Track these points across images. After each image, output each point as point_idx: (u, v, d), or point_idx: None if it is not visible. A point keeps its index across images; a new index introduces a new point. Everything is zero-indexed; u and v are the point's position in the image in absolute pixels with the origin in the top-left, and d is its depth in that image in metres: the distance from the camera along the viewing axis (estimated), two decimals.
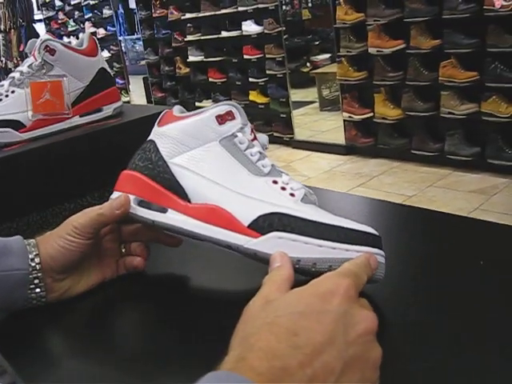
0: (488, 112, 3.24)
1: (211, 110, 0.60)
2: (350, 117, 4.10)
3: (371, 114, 3.96)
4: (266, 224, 0.55)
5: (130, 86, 6.58)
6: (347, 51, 3.95)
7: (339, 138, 4.30)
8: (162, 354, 0.53)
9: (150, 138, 0.64)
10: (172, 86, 5.87)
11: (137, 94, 6.74)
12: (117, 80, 6.29)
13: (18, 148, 0.87)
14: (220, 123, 0.60)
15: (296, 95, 4.98)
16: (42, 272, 0.60)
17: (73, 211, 0.87)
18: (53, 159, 0.86)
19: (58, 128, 0.93)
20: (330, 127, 4.83)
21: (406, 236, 0.70)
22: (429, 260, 0.63)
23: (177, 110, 0.64)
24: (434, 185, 3.44)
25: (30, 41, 0.95)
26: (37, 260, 0.60)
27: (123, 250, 0.67)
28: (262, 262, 0.55)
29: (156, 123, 0.64)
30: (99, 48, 0.97)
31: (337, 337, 0.38)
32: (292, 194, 0.57)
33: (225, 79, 5.19)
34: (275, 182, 0.58)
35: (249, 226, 0.55)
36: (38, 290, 0.60)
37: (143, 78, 6.51)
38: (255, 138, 0.62)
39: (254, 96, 4.93)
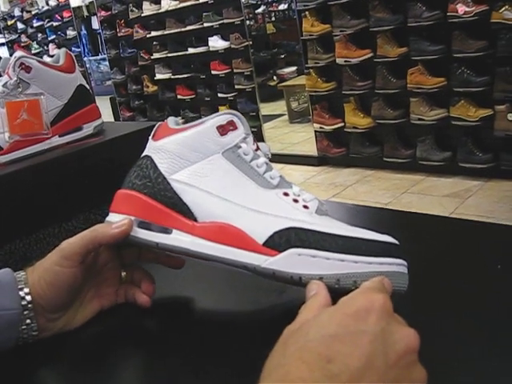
0: (457, 116, 3.28)
1: (211, 120, 0.57)
2: (320, 127, 4.11)
3: (342, 124, 3.99)
4: (282, 240, 0.51)
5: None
6: (315, 62, 3.96)
7: (311, 149, 4.31)
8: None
9: (145, 153, 0.59)
10: (140, 105, 5.82)
11: (104, 114, 6.58)
12: None
13: None
14: (222, 134, 0.56)
15: (265, 109, 4.99)
16: (34, 311, 0.55)
17: (57, 236, 0.84)
18: (34, 183, 0.82)
19: (37, 149, 0.88)
20: (301, 139, 4.84)
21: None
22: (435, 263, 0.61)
23: (172, 121, 0.61)
24: (409, 191, 3.46)
25: (3, 58, 0.90)
26: (28, 298, 0.55)
27: (123, 275, 0.63)
28: (279, 281, 0.52)
29: (150, 137, 0.60)
30: (76, 64, 0.93)
31: (376, 360, 0.34)
32: (306, 206, 0.54)
33: (193, 95, 5.17)
34: (286, 194, 0.55)
35: (264, 244, 0.52)
36: (30, 330, 0.56)
37: (110, 98, 6.44)
38: (258, 148, 0.58)
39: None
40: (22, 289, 0.55)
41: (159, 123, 0.62)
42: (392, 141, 3.72)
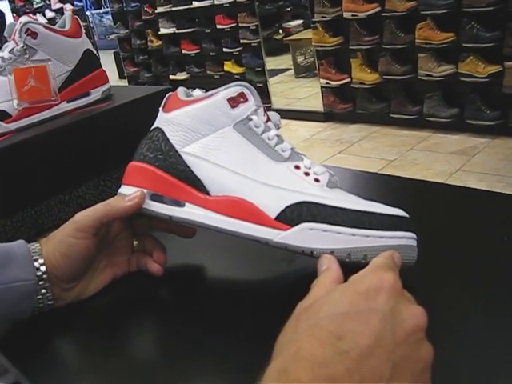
0: (466, 73, 3.24)
1: (222, 92, 0.56)
2: (327, 83, 4.07)
3: (348, 80, 3.94)
4: (294, 215, 0.52)
5: (101, 62, 6.42)
6: (322, 17, 3.89)
7: (317, 104, 4.27)
8: (181, 353, 0.51)
9: (155, 125, 0.59)
10: (145, 60, 5.75)
11: (108, 69, 6.49)
12: None
13: (5, 140, 0.83)
14: (232, 106, 0.56)
15: (270, 63, 4.92)
16: (49, 281, 0.57)
17: (68, 203, 0.85)
18: (44, 151, 0.82)
19: (45, 116, 0.88)
20: (307, 94, 4.79)
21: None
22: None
23: (181, 92, 0.60)
24: (415, 148, 3.44)
25: (9, 23, 0.89)
26: (43, 269, 0.56)
27: (135, 243, 0.64)
28: (292, 252, 0.53)
29: (161, 108, 0.60)
30: (83, 28, 0.92)
31: (384, 338, 0.35)
32: (317, 180, 0.54)
33: (198, 50, 5.10)
34: (297, 167, 0.55)
35: (276, 219, 0.52)
36: (45, 300, 0.57)
37: (114, 53, 6.37)
38: (269, 119, 0.58)
39: (228, 66, 4.86)
40: (36, 260, 0.56)
41: (169, 94, 0.61)
42: (399, 97, 3.68)
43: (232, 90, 0.57)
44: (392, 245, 0.51)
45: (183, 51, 5.21)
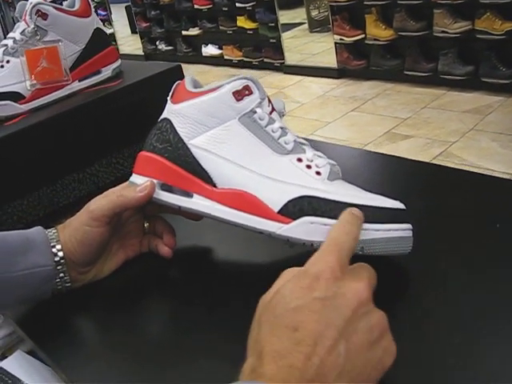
0: (482, 30, 3.18)
1: (227, 85, 0.58)
2: (341, 39, 4.02)
3: (363, 36, 3.89)
4: (296, 209, 0.55)
5: (113, 16, 6.36)
6: None
7: (331, 60, 4.22)
8: (191, 328, 0.55)
9: (164, 115, 0.62)
10: (157, 15, 5.68)
11: (120, 23, 6.53)
12: (99, 12, 6.08)
13: (19, 122, 0.85)
14: (237, 99, 0.58)
15: (284, 17, 4.83)
16: (67, 266, 0.60)
17: (81, 181, 0.88)
18: (58, 131, 0.85)
19: (58, 96, 0.91)
20: (321, 49, 4.72)
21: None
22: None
23: (189, 82, 0.62)
24: (428, 106, 3.42)
25: (20, 3, 0.91)
26: (60, 254, 0.60)
27: (146, 226, 0.67)
28: (293, 245, 0.56)
29: (169, 98, 0.62)
30: (92, 7, 0.93)
31: (333, 319, 0.39)
32: (318, 173, 0.57)
33: (211, 5, 5.02)
34: (300, 160, 0.58)
35: (279, 212, 0.55)
36: (63, 282, 0.61)
37: (126, 7, 6.29)
38: (273, 109, 0.60)
39: (241, 22, 4.79)
40: (54, 246, 0.60)
41: (177, 83, 0.63)
42: (414, 54, 3.63)
43: (237, 82, 0.58)
44: (388, 237, 0.53)
45: (195, 6, 5.14)
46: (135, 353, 0.54)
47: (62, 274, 0.60)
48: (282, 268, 0.61)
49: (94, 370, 0.53)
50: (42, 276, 0.59)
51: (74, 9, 0.90)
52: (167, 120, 0.61)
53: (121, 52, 6.23)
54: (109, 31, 6.19)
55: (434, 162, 2.73)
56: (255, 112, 0.58)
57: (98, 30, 0.93)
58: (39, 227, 0.62)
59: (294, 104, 3.92)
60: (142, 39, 5.97)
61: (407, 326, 0.49)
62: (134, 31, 6.20)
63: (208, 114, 0.59)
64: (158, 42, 5.77)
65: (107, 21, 6.26)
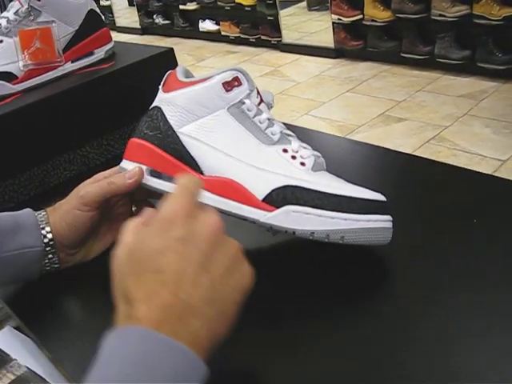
0: (480, 14, 3.17)
1: (217, 76, 0.60)
2: (338, 19, 3.99)
3: (360, 16, 3.86)
4: (279, 198, 0.57)
5: None
6: None
7: (328, 39, 4.20)
8: None
9: (155, 103, 0.63)
10: None
11: None
12: None
13: (12, 103, 0.86)
14: (227, 90, 0.59)
15: None
16: (55, 247, 0.62)
17: (72, 161, 0.90)
18: (50, 112, 0.86)
19: (51, 76, 0.91)
20: (319, 28, 4.69)
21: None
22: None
23: (181, 72, 0.63)
24: (424, 89, 3.42)
25: None
26: (49, 236, 0.61)
27: (134, 209, 0.69)
28: (276, 232, 0.58)
29: (160, 87, 0.63)
30: None
31: (191, 254, 0.42)
32: (303, 163, 0.59)
33: None
34: (285, 151, 0.59)
35: (263, 200, 0.57)
36: (52, 263, 0.63)
37: None
38: (262, 101, 0.62)
39: None
40: (43, 228, 0.61)
41: (169, 72, 0.64)
42: (411, 36, 3.62)
43: (227, 74, 0.60)
44: (367, 227, 0.56)
45: None
46: None
47: (50, 256, 0.62)
48: (265, 254, 0.64)
49: (77, 350, 0.55)
50: (31, 257, 0.61)
51: None
52: (158, 108, 0.62)
53: (117, 25, 6.17)
54: (106, 3, 6.13)
55: (427, 145, 2.75)
56: (244, 103, 0.60)
57: (91, 11, 0.94)
58: (29, 209, 0.63)
59: (290, 83, 3.91)
60: (138, 12, 5.91)
61: (384, 317, 0.52)
62: (131, 3, 6.13)
63: (198, 104, 0.60)
64: (155, 16, 5.72)
65: None
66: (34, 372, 0.62)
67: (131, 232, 0.45)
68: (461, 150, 2.65)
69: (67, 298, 0.64)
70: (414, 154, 2.77)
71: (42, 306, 0.62)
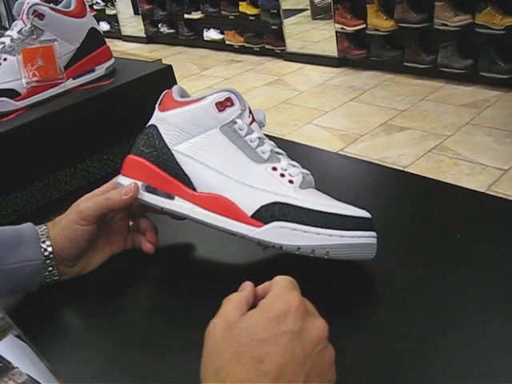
0: (482, 24, 3.19)
1: (210, 96, 0.62)
2: (342, 28, 4.03)
3: (364, 26, 3.89)
4: (268, 214, 0.59)
5: None
6: None
7: (331, 48, 4.23)
8: (171, 319, 0.60)
9: (151, 122, 0.66)
10: None
11: (123, 4, 6.50)
12: None
13: (16, 119, 0.89)
14: (220, 110, 0.62)
15: (286, 3, 4.82)
16: (55, 260, 0.64)
17: (73, 176, 0.92)
18: (52, 128, 0.88)
19: (52, 93, 0.94)
20: (322, 37, 4.71)
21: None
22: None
23: (176, 91, 0.66)
24: (426, 98, 3.44)
25: (18, 2, 0.94)
26: (49, 249, 0.64)
27: (130, 223, 0.72)
28: (264, 247, 0.61)
29: (157, 106, 0.66)
30: (87, 7, 0.96)
31: (296, 353, 0.41)
32: (291, 181, 0.61)
33: None
34: (274, 169, 0.62)
35: (252, 216, 0.60)
36: (51, 275, 0.65)
37: None
38: (253, 120, 0.64)
39: (244, 7, 4.79)
40: (44, 242, 0.64)
41: (165, 92, 0.67)
42: (414, 45, 3.64)
43: (220, 94, 0.62)
44: (352, 243, 0.58)
45: None
46: (117, 343, 0.58)
47: (50, 268, 0.64)
48: (255, 266, 0.66)
49: (76, 360, 0.57)
50: (31, 269, 0.63)
51: (69, 9, 0.93)
52: (154, 126, 0.65)
53: (123, 33, 6.23)
54: (112, 12, 6.19)
55: (429, 155, 2.76)
56: (235, 122, 0.62)
57: (92, 29, 0.97)
58: (30, 224, 0.66)
59: (293, 92, 3.94)
60: (144, 21, 5.96)
61: (370, 329, 0.54)
62: (136, 12, 6.19)
63: (192, 123, 0.63)
64: (160, 25, 5.77)
65: (110, 1, 6.25)
66: (35, 380, 0.64)
67: (233, 306, 0.45)
68: (463, 159, 2.66)
69: (65, 309, 0.66)
70: (415, 163, 2.77)
71: (42, 317, 0.64)
